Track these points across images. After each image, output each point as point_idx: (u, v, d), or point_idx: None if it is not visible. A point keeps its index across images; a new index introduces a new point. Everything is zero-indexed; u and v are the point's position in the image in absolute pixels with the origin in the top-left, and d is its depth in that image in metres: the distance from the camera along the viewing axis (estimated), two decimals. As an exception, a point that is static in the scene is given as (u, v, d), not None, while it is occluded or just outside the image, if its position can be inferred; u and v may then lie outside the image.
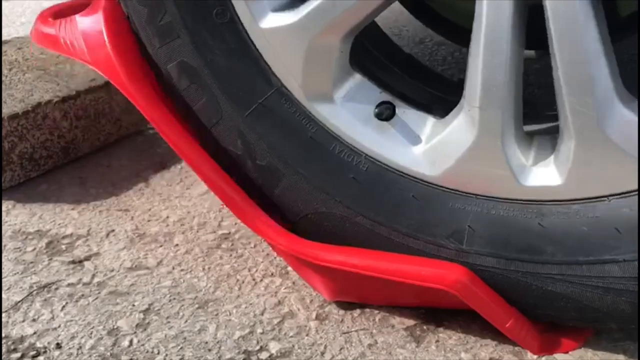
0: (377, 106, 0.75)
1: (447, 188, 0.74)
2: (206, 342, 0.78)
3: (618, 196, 0.67)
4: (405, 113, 0.76)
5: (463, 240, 0.73)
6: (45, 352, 0.77)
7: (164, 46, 0.78)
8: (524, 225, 0.71)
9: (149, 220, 1.03)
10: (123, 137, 1.28)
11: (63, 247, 0.97)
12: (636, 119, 0.63)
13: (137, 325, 0.81)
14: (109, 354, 0.77)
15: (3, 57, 1.27)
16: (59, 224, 1.02)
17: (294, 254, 0.78)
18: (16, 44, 1.33)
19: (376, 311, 0.82)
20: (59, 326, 0.81)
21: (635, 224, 0.66)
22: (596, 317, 0.71)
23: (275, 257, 0.93)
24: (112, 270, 0.91)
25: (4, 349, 0.77)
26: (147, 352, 0.77)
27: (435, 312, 0.81)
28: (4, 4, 2.23)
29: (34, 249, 0.96)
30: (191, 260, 0.93)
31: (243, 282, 0.88)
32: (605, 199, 0.67)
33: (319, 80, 0.75)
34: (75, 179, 1.15)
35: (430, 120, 0.75)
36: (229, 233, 0.99)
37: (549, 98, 0.70)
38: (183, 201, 1.08)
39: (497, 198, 0.72)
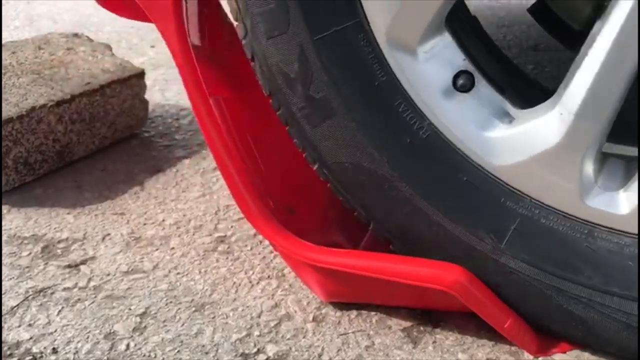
0: (457, 75, 0.70)
1: (506, 183, 0.70)
2: (203, 346, 0.78)
3: None
4: (485, 90, 0.70)
5: (503, 240, 0.70)
6: (41, 357, 0.77)
7: None
8: (571, 242, 0.69)
9: (144, 224, 1.03)
10: (118, 140, 1.28)
11: (59, 251, 0.96)
12: None
13: (133, 329, 0.81)
14: (105, 358, 0.76)
15: (-3, 62, 1.26)
16: (55, 228, 1.01)
17: (294, 255, 0.78)
18: (10, 48, 1.32)
19: (373, 313, 0.82)
20: (55, 331, 0.81)
21: None
22: (599, 344, 0.71)
23: (271, 260, 0.93)
24: (108, 274, 0.91)
25: None
26: (144, 355, 0.77)
27: (431, 313, 0.81)
28: (-3, 8, 2.23)
29: (30, 253, 0.96)
30: (187, 264, 0.93)
31: (240, 284, 0.88)
32: None
33: (409, 27, 0.67)
34: (70, 183, 1.14)
35: (510, 107, 0.70)
36: (225, 236, 0.99)
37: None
38: (179, 204, 1.08)
39: (553, 208, 0.69)
